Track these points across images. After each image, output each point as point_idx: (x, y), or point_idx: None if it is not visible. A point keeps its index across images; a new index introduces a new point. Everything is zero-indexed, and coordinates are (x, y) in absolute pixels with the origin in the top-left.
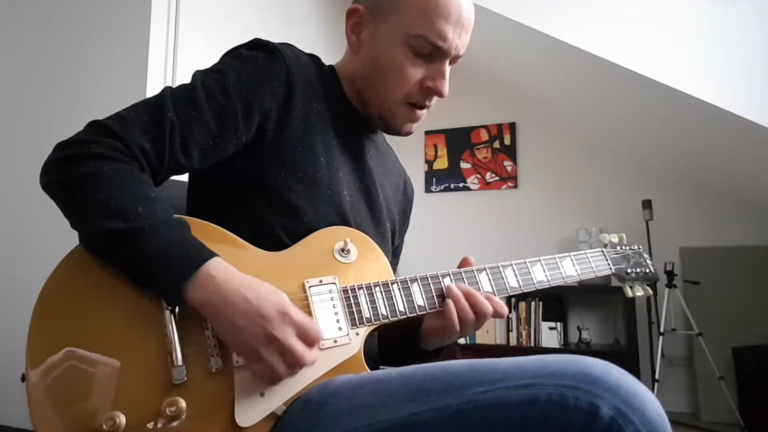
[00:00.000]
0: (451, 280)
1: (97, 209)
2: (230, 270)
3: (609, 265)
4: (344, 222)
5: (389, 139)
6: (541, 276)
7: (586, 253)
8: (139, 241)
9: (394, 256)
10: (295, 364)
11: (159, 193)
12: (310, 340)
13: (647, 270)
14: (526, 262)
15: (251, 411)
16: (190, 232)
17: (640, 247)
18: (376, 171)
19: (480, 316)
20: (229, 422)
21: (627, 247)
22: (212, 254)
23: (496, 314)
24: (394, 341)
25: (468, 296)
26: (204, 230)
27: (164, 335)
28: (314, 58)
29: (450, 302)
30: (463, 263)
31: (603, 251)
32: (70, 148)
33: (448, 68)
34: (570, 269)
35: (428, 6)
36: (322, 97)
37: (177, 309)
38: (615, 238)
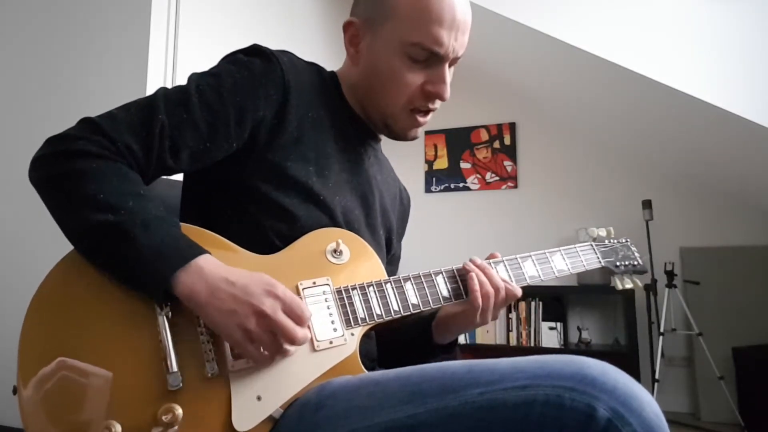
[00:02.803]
0: (443, 279)
1: (85, 203)
2: (217, 263)
3: (598, 258)
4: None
5: (387, 144)
6: (532, 271)
7: (575, 247)
8: (130, 236)
9: (390, 263)
10: (286, 340)
11: (149, 191)
12: (295, 315)
13: (635, 262)
14: (517, 258)
15: (248, 415)
16: (180, 230)
17: (628, 240)
18: (375, 178)
19: (497, 289)
20: (227, 427)
21: (615, 240)
22: (202, 250)
23: (510, 293)
24: (406, 339)
25: (483, 269)
26: (196, 235)
27: (159, 341)
28: (314, 66)
29: (472, 274)
30: (490, 258)
31: (592, 245)
32: (58, 144)
33: (448, 71)
34: (560, 263)
35: (420, 13)
36: (321, 104)
37: (171, 314)
38: (603, 232)
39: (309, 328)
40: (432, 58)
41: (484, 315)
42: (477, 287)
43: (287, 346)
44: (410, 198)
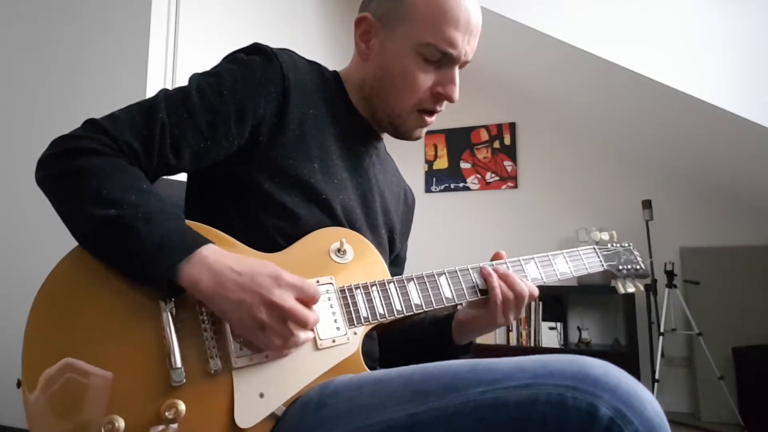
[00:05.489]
0: (446, 280)
1: (88, 199)
2: (221, 251)
3: (601, 262)
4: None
5: (390, 144)
6: (535, 273)
7: (578, 251)
8: (133, 230)
9: (395, 264)
10: (300, 325)
11: (152, 187)
12: (308, 297)
13: (638, 267)
14: (519, 260)
15: (251, 412)
16: (185, 223)
17: (631, 244)
18: (376, 178)
19: (518, 296)
20: (229, 424)
21: (618, 244)
22: (206, 241)
23: (531, 295)
24: (423, 340)
25: (504, 277)
26: (199, 231)
27: (162, 337)
28: (316, 65)
29: (494, 281)
30: (495, 257)
31: (595, 248)
32: (62, 144)
33: (457, 73)
34: (563, 266)
35: (437, 14)
36: (322, 103)
37: (175, 310)
38: (606, 236)
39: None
40: (444, 60)
41: (506, 315)
42: (497, 286)
43: (299, 333)
44: (415, 198)
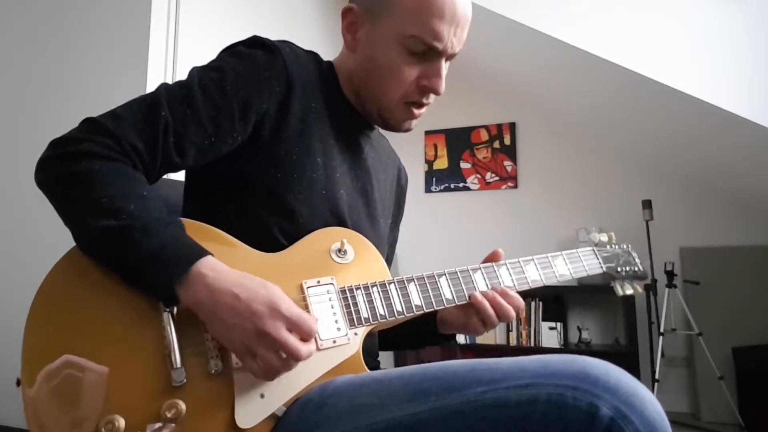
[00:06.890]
0: (447, 281)
1: (89, 207)
2: (221, 268)
3: (600, 263)
4: (340, 223)
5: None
6: (534, 275)
7: (577, 252)
8: (131, 240)
9: (389, 246)
10: (290, 358)
11: (153, 192)
12: (303, 332)
13: (636, 269)
14: (519, 261)
15: (252, 412)
16: (184, 231)
17: (629, 246)
18: (373, 168)
19: (503, 319)
20: (230, 424)
21: (616, 246)
22: (204, 253)
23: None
24: (411, 329)
25: (492, 301)
26: (200, 231)
27: (163, 337)
28: (313, 56)
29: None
30: (493, 257)
31: (594, 250)
32: (63, 146)
33: (444, 66)
34: (563, 268)
35: (422, 5)
36: (321, 95)
37: (175, 310)
38: (604, 237)
39: None
40: (430, 52)
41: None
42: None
43: (292, 362)
44: (408, 176)
